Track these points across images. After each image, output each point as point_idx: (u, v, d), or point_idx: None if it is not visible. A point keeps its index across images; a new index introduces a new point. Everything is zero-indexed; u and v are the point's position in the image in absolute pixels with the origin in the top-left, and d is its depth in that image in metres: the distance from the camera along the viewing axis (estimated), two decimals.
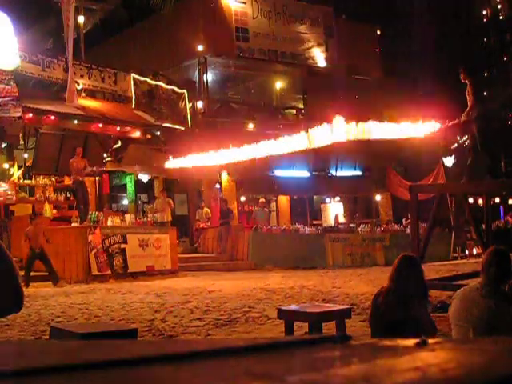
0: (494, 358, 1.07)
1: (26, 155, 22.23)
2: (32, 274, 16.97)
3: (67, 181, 20.91)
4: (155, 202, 23.52)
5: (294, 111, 29.32)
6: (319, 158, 26.89)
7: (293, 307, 8.60)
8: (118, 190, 28.29)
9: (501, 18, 38.17)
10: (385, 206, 29.13)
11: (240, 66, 27.30)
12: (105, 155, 22.84)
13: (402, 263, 5.56)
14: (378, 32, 31.40)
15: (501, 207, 30.72)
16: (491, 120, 13.39)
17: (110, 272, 17.30)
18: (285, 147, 21.14)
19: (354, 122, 18.55)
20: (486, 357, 1.09)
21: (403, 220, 25.37)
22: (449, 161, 29.76)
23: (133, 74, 22.28)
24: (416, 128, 17.20)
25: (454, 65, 20.68)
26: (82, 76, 21.04)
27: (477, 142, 12.04)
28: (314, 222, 27.26)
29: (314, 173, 27.06)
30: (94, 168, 19.83)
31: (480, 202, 21.78)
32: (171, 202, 23.02)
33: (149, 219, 20.04)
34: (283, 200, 27.89)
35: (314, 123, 26.99)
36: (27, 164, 22.01)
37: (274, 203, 28.10)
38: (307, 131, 20.62)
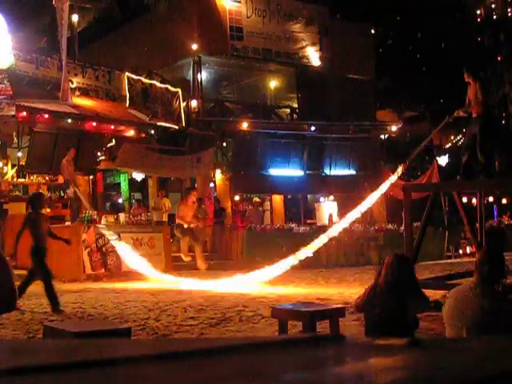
0: (485, 356, 1.08)
1: (19, 154, 22.17)
2: (25, 272, 16.93)
3: (61, 179, 20.89)
4: (153, 200, 23.63)
5: (288, 110, 29.31)
6: (313, 157, 26.92)
7: (287, 306, 8.60)
8: (112, 189, 28.25)
9: (495, 17, 38.22)
10: (378, 206, 29.14)
11: (234, 65, 27.28)
12: (99, 154, 22.80)
13: (392, 263, 5.59)
14: (373, 31, 31.39)
15: (494, 206, 30.76)
16: (492, 120, 13.38)
17: (103, 271, 17.29)
18: None
19: None
20: (479, 356, 1.09)
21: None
22: (443, 160, 29.84)
23: (127, 73, 22.23)
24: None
25: (453, 64, 20.70)
26: (75, 74, 21.00)
27: (473, 141, 12.05)
28: (308, 221, 27.25)
29: (308, 172, 27.05)
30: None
31: (474, 201, 21.81)
32: (167, 202, 23.05)
33: (143, 218, 20.01)
34: (277, 199, 27.89)
35: (307, 123, 27.19)
36: (21, 163, 21.96)
37: (268, 202, 28.10)
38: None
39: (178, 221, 18.41)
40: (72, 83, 20.53)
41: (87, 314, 10.73)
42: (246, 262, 21.57)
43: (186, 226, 16.71)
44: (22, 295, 10.90)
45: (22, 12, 22.14)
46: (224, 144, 25.80)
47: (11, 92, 18.15)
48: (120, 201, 27.13)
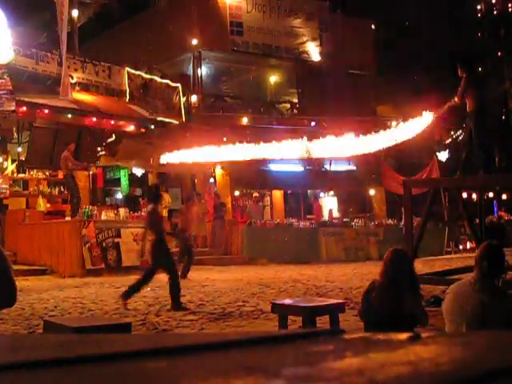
0: (485, 352, 1.08)
1: (19, 149, 22.17)
2: (25, 267, 16.98)
3: (60, 175, 20.88)
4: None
5: (288, 105, 29.30)
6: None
7: (287, 301, 8.60)
8: (112, 184, 28.21)
9: (495, 12, 38.17)
10: (378, 201, 29.15)
11: (234, 60, 27.27)
12: (99, 149, 22.78)
13: (391, 258, 5.59)
14: (373, 27, 31.34)
15: (494, 202, 30.76)
16: (487, 115, 13.36)
17: (103, 266, 17.28)
18: (281, 153, 21.87)
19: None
20: (478, 351, 1.09)
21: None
22: (443, 155, 29.81)
23: (127, 68, 22.22)
24: (411, 126, 17.15)
25: (451, 60, 20.64)
26: (76, 70, 20.98)
27: (472, 137, 12.02)
28: (308, 217, 27.26)
29: (308, 167, 27.05)
30: (75, 165, 19.43)
31: (474, 196, 21.81)
32: (167, 197, 23.01)
33: (143, 213, 19.98)
34: (277, 194, 27.88)
35: (307, 118, 27.16)
36: (21, 158, 21.95)
37: (268, 198, 28.08)
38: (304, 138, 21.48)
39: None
40: (72, 78, 20.50)
41: (87, 309, 10.74)
42: (245, 258, 21.62)
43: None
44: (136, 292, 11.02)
45: (22, 7, 22.09)
46: (224, 139, 25.78)
47: (11, 87, 18.14)
48: (120, 194, 27.10)
